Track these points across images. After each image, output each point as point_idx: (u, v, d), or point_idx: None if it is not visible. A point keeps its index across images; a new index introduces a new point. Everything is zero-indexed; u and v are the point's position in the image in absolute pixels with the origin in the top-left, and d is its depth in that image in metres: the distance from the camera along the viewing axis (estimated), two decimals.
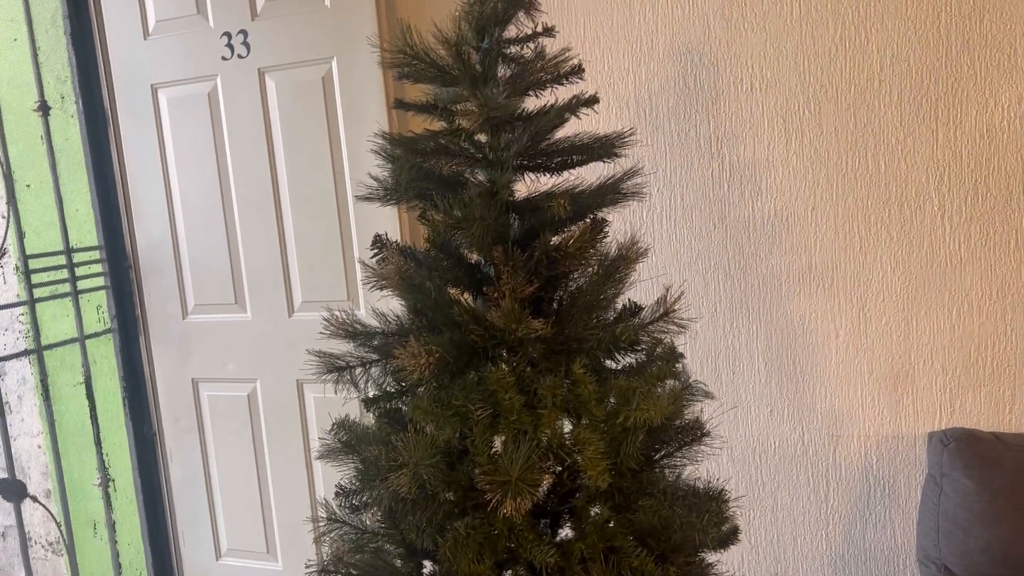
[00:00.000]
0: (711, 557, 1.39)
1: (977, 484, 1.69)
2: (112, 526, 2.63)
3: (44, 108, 2.42)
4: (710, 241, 2.06)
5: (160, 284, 2.54)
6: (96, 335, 2.57)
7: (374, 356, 1.32)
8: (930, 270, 1.91)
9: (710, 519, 1.29)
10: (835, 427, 2.03)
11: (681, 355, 1.36)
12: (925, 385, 1.95)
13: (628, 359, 1.37)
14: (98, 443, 2.59)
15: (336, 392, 1.32)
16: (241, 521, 2.56)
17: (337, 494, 1.36)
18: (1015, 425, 1.90)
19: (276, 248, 2.36)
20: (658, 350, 1.36)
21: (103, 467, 2.60)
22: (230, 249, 2.42)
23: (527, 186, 1.36)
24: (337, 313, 1.35)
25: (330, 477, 2.42)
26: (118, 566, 2.64)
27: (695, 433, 1.33)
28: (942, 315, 1.92)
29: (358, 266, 2.26)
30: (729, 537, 1.37)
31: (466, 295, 1.29)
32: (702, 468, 2.12)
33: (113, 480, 2.65)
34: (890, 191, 1.91)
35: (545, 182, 1.35)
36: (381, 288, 1.32)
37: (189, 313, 2.52)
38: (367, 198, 1.32)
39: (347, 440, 1.33)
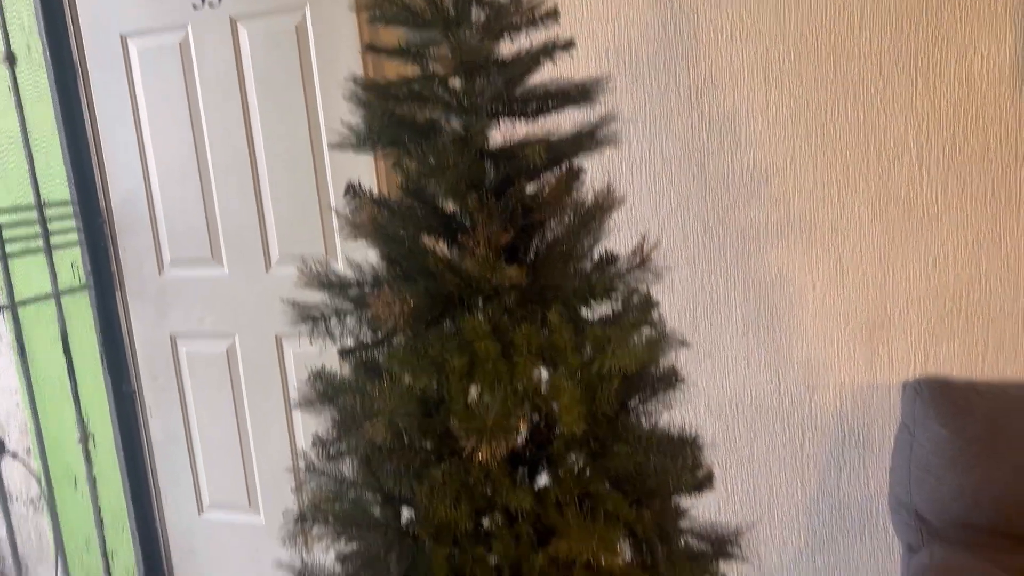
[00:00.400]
0: (686, 502, 1.41)
1: (950, 432, 1.72)
2: (93, 482, 2.63)
3: (10, 59, 2.36)
4: (689, 193, 2.05)
5: (135, 240, 2.51)
6: (71, 291, 2.54)
7: (349, 306, 1.31)
8: (907, 220, 1.91)
9: (684, 464, 1.30)
10: (811, 377, 2.05)
11: (656, 303, 1.36)
12: (900, 335, 1.97)
13: (604, 308, 1.37)
14: (76, 399, 2.57)
15: (311, 342, 1.31)
16: (222, 475, 2.56)
17: (314, 443, 1.36)
18: (988, 374, 1.93)
19: (252, 202, 2.33)
20: (634, 299, 1.36)
21: (82, 423, 2.59)
22: (205, 203, 2.39)
23: (503, 134, 1.34)
24: (311, 264, 1.33)
25: (310, 430, 2.42)
26: (100, 522, 2.65)
27: (670, 380, 1.33)
28: (918, 265, 1.93)
29: (335, 218, 2.24)
30: (704, 482, 1.38)
31: (441, 244, 1.28)
32: (678, 419, 2.14)
33: (93, 435, 2.64)
34: (868, 141, 1.91)
35: (520, 130, 1.34)
36: (355, 237, 1.30)
37: (165, 269, 2.50)
38: (340, 145, 1.30)
39: (324, 390, 1.33)
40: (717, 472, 2.16)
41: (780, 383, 2.07)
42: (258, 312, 2.40)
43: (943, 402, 1.74)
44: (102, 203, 2.50)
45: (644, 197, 2.08)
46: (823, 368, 2.04)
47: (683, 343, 1.44)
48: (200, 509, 2.62)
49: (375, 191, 1.39)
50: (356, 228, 1.27)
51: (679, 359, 2.09)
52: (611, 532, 1.14)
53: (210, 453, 2.57)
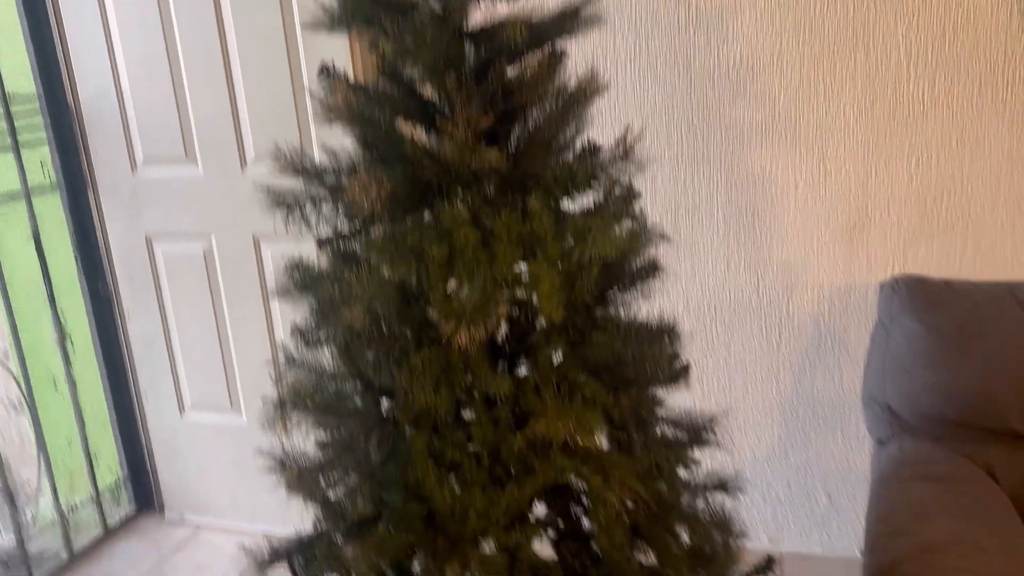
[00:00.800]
0: (663, 394, 1.42)
1: (925, 328, 1.74)
2: (73, 383, 2.63)
3: None
4: (674, 90, 2.01)
5: (106, 138, 2.44)
6: (41, 190, 2.48)
7: (324, 193, 1.28)
8: (892, 119, 1.89)
9: (662, 353, 1.31)
10: (790, 278, 2.06)
11: (638, 194, 1.34)
12: (880, 236, 1.97)
13: (586, 200, 1.35)
14: (52, 301, 2.55)
15: (287, 231, 1.29)
16: (203, 377, 2.57)
17: (293, 333, 1.35)
18: (965, 275, 1.94)
19: (225, 96, 2.26)
20: (616, 190, 1.34)
21: (59, 324, 2.57)
22: (177, 98, 2.32)
23: (483, 14, 1.29)
24: (286, 150, 1.30)
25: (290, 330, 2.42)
26: (81, 423, 2.66)
27: (650, 271, 1.33)
28: (901, 165, 1.92)
29: (311, 115, 2.18)
30: (680, 373, 1.39)
31: (418, 129, 1.24)
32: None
33: (70, 336, 2.63)
34: (857, 36, 1.86)
35: (501, 9, 1.29)
36: (330, 122, 1.27)
37: (138, 168, 2.44)
38: (314, 25, 1.25)
39: (301, 279, 1.32)
40: (694, 371, 2.19)
41: (759, 283, 2.08)
42: (235, 212, 2.36)
43: (919, 298, 1.76)
44: (69, 98, 2.42)
45: (629, 94, 2.04)
46: (802, 269, 2.04)
47: (664, 237, 1.43)
48: (182, 410, 2.63)
49: (350, 74, 1.35)
50: (331, 111, 1.23)
51: (660, 257, 2.07)
52: (588, 415, 1.15)
53: (190, 355, 2.57)
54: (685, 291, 2.14)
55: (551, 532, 1.41)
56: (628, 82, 2.03)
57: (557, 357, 1.32)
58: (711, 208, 2.06)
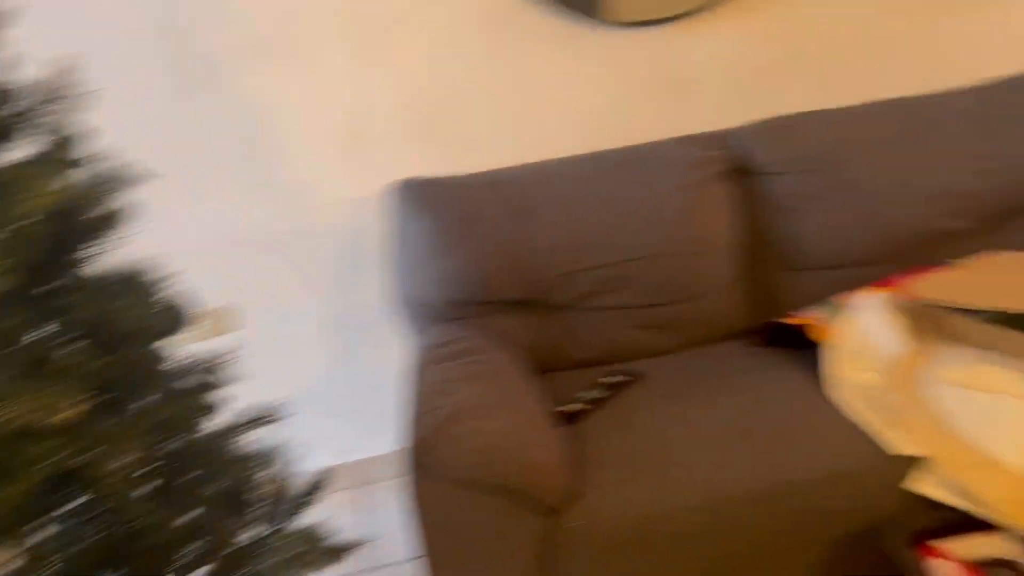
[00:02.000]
0: (172, 345, 1.34)
1: (429, 223, 1.87)
2: None
3: None
4: (143, 19, 1.84)
5: None
6: None
7: None
8: (374, 32, 1.94)
9: (148, 302, 1.22)
10: (303, 200, 2.05)
11: (79, 136, 1.21)
12: (376, 146, 2.04)
13: (20, 152, 1.19)
14: None
15: None
16: None
17: None
18: (456, 171, 2.09)
19: None
20: (52, 136, 1.20)
21: None
22: None
23: None
24: None
25: None
26: None
27: (113, 220, 1.22)
28: (382, 76, 1.99)
29: None
30: (176, 322, 1.32)
31: None
32: (153, 263, 2.02)
33: None
34: None
35: None
36: None
37: None
38: None
39: None
40: (236, 311, 2.12)
41: (273, 210, 2.05)
42: None
43: (419, 198, 1.88)
44: None
45: (78, 30, 1.83)
46: (313, 188, 2.05)
47: (139, 178, 1.32)
48: None
49: None
50: None
51: (152, 196, 1.85)
52: (59, 388, 1.04)
53: None
54: (195, 230, 2.02)
55: (78, 517, 1.29)
56: (77, 19, 1.81)
57: (33, 331, 1.17)
58: (209, 138, 1.96)
